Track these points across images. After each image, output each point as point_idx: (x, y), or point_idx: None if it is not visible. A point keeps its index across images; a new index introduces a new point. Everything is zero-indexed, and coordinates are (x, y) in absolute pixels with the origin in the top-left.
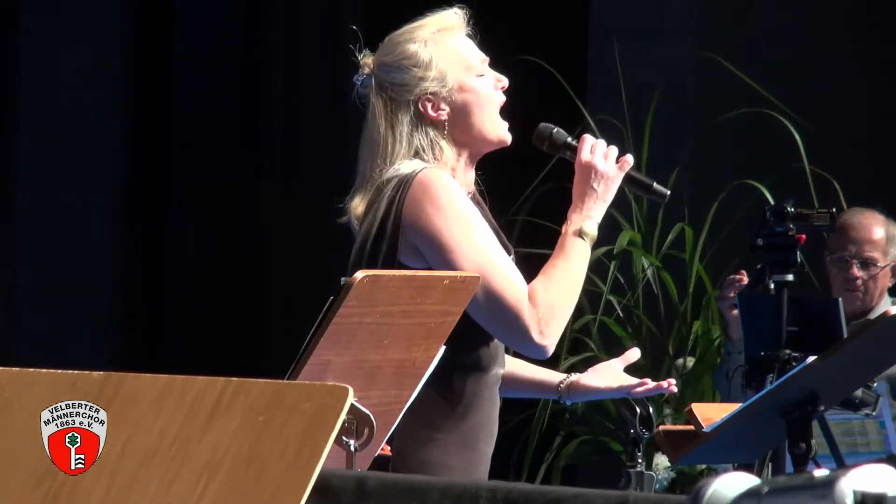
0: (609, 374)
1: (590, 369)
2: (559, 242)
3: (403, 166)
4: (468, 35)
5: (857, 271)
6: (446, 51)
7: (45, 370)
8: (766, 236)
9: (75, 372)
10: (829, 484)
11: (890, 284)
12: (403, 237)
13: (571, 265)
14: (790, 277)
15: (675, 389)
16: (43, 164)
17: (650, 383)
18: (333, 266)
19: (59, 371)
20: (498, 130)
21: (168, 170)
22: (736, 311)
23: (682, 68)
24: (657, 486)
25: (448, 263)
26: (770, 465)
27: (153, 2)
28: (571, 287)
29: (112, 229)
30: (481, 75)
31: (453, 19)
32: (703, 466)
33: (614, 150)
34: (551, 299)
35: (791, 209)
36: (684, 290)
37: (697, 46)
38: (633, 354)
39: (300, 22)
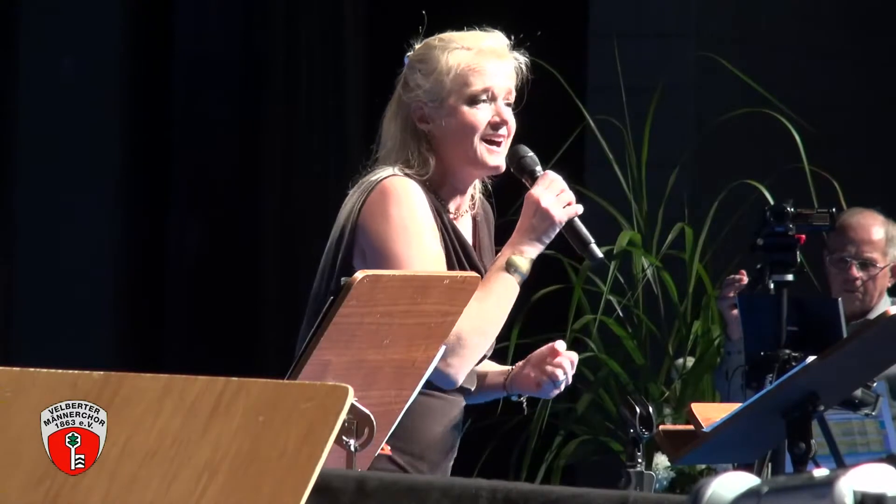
0: (537, 365)
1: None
2: (486, 275)
3: (380, 172)
4: (502, 62)
5: (856, 272)
6: (457, 69)
7: (45, 370)
8: (766, 236)
9: (75, 372)
10: (828, 484)
11: (889, 285)
12: (356, 242)
13: (490, 298)
14: (790, 277)
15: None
16: (43, 163)
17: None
18: None
19: (59, 371)
20: (479, 160)
21: (168, 170)
22: (736, 311)
23: (682, 68)
24: (657, 486)
25: None
26: (770, 465)
27: (153, 2)
28: (485, 321)
29: (112, 229)
30: (480, 103)
31: (489, 43)
32: (703, 466)
33: (569, 194)
34: (460, 330)
35: (791, 209)
36: (684, 290)
37: (697, 47)
38: (559, 346)
39: (300, 21)
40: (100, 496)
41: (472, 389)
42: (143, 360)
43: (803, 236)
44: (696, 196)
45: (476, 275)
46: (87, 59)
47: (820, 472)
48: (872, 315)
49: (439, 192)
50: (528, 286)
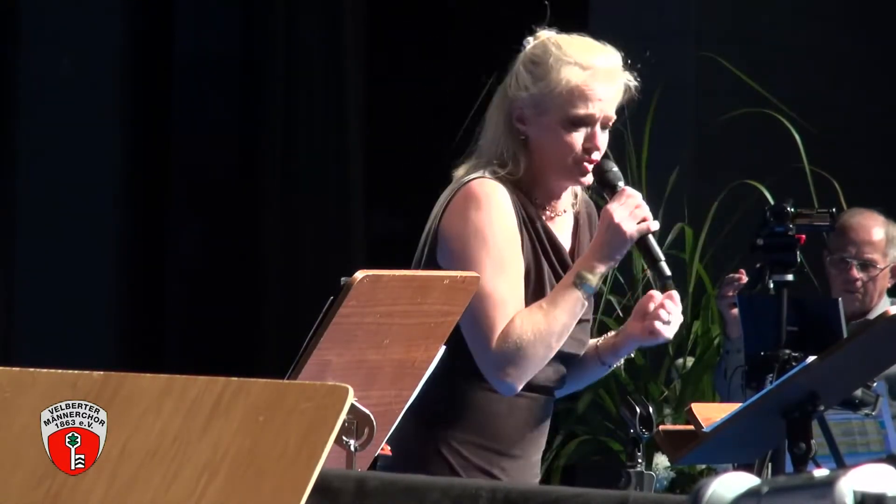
0: (636, 318)
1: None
2: (556, 286)
3: (472, 171)
4: (612, 85)
5: (856, 273)
6: (566, 87)
7: (45, 370)
8: (766, 236)
9: (75, 372)
10: (828, 484)
11: (889, 285)
12: (438, 241)
13: (554, 310)
14: (790, 277)
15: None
16: (43, 163)
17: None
18: (333, 266)
19: (59, 371)
20: (568, 177)
21: (168, 170)
22: (735, 310)
23: (682, 68)
24: (657, 486)
25: None
26: (770, 465)
27: (153, 2)
28: (547, 332)
29: (112, 229)
30: (578, 129)
31: (603, 62)
32: (703, 466)
33: (644, 210)
34: (522, 340)
35: (791, 209)
36: (684, 290)
37: (697, 46)
38: (655, 293)
39: (300, 21)
40: (100, 496)
41: (554, 387)
42: (143, 360)
43: (803, 236)
44: (696, 196)
45: (475, 275)
46: (87, 59)
47: (820, 472)
48: (872, 315)
49: (533, 192)
50: None
